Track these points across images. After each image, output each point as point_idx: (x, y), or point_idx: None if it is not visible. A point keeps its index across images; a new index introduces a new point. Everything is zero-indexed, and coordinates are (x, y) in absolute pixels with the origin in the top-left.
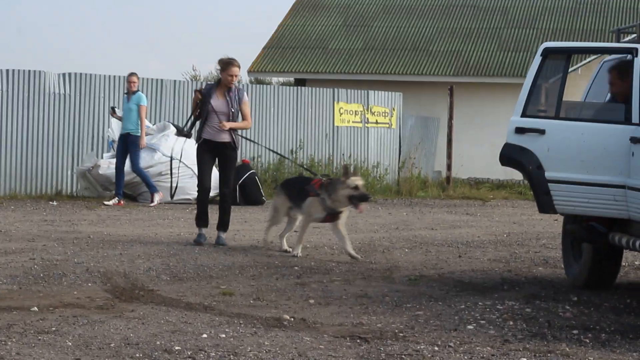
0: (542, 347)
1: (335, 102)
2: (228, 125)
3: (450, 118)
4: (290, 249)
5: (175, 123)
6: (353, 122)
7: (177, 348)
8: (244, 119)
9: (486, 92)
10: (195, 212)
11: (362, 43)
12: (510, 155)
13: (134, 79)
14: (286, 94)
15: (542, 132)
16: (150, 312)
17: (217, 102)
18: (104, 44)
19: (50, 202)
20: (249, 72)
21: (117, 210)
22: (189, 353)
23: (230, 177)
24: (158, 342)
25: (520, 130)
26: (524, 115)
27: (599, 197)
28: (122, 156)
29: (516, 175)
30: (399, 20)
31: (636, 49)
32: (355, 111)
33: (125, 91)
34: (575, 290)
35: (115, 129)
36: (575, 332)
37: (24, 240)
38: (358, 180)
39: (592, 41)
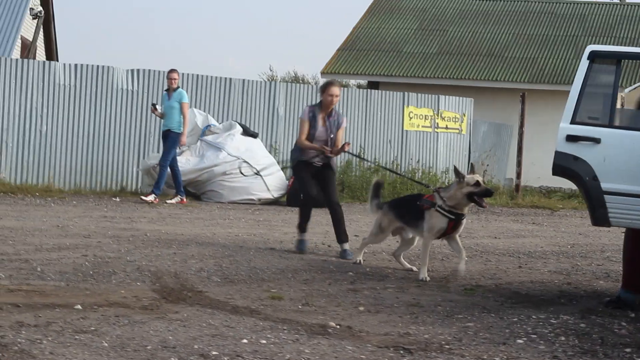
0: None
1: (405, 106)
2: (334, 153)
3: (522, 126)
4: (415, 269)
5: (242, 123)
6: (422, 126)
7: (214, 353)
8: (336, 144)
9: (561, 100)
10: (300, 218)
11: (437, 47)
12: (564, 165)
13: (175, 75)
14: (355, 97)
15: (597, 140)
16: (194, 315)
17: (319, 129)
18: (178, 41)
19: (113, 198)
20: (322, 73)
21: (179, 208)
22: (226, 359)
23: (334, 191)
24: (196, 346)
25: (572, 139)
26: (573, 122)
27: None
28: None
29: None
30: (475, 26)
31: None
32: (425, 115)
33: (166, 88)
34: (635, 307)
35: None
36: (628, 350)
37: (79, 236)
38: (477, 177)
39: None
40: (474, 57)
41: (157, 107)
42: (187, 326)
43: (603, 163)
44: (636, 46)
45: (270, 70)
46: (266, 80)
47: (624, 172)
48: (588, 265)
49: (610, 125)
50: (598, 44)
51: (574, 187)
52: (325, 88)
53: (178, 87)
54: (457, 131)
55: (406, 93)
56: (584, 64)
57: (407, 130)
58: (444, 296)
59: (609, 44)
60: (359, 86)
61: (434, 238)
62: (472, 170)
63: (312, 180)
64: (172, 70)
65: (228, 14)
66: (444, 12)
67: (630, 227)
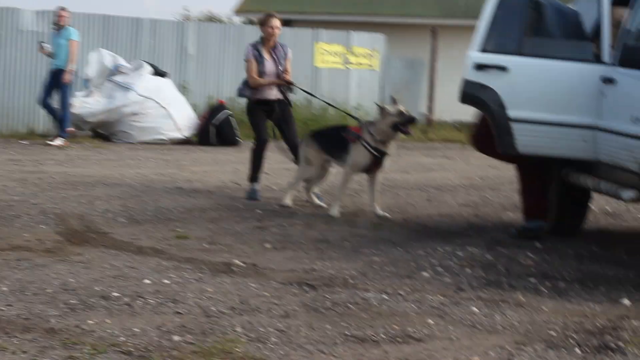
0: (495, 296)
1: (315, 43)
2: (287, 78)
3: (433, 60)
4: (325, 206)
5: (152, 63)
6: (334, 63)
7: (115, 294)
8: (287, 75)
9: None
10: (251, 166)
11: None
12: (471, 93)
13: (64, 13)
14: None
15: (504, 69)
16: (97, 256)
17: (267, 65)
18: None
19: (21, 141)
20: (236, 13)
21: (88, 150)
22: (127, 300)
23: (295, 132)
24: (97, 288)
25: (480, 67)
26: (482, 50)
27: (565, 138)
28: (49, 92)
29: None
30: None
31: None
32: (336, 52)
33: (54, 25)
34: (540, 238)
35: (90, 67)
36: (532, 280)
37: None
38: (399, 107)
39: None
40: None
41: (45, 45)
42: (90, 268)
43: (510, 91)
44: None
45: (186, 11)
46: (175, 20)
47: (530, 100)
48: (496, 197)
49: (518, 53)
50: None
51: None
52: (265, 21)
53: (66, 25)
54: (369, 67)
55: (316, 29)
56: None
57: (317, 67)
58: (351, 231)
59: None
60: None
61: (354, 174)
62: (394, 102)
63: (265, 118)
64: (61, 8)
65: None
66: None
67: (535, 154)
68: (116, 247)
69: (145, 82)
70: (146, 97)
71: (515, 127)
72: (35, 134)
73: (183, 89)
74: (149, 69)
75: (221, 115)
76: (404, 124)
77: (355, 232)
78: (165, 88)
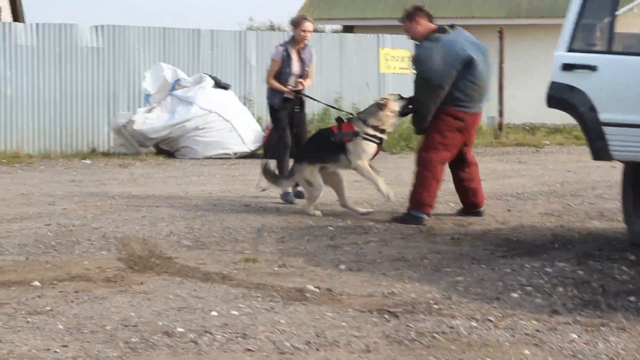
0: (594, 319)
1: (380, 48)
2: (307, 84)
3: (501, 62)
4: (370, 210)
5: (213, 75)
6: (400, 68)
7: (179, 330)
8: (308, 77)
9: (540, 34)
10: (281, 164)
11: None
12: (559, 96)
13: None
14: (328, 42)
15: (593, 68)
16: (161, 285)
17: (294, 65)
18: None
19: (83, 161)
20: None
21: (152, 167)
22: (192, 336)
23: (305, 135)
24: (160, 323)
25: (568, 67)
26: (570, 50)
27: None
28: None
29: (572, 119)
30: None
31: None
32: (402, 57)
33: None
34: (634, 249)
35: (150, 82)
36: (632, 298)
37: (43, 203)
38: (395, 94)
39: None
40: None
41: None
42: (152, 299)
43: (601, 92)
44: None
45: (251, 20)
46: (236, 30)
47: (624, 101)
48: (580, 205)
49: (608, 51)
50: None
51: (557, 121)
52: (298, 23)
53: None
54: None
55: (380, 35)
56: None
57: (383, 74)
58: (430, 247)
59: None
60: (335, 31)
61: (368, 163)
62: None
63: (287, 121)
64: None
65: None
66: None
67: (632, 160)
68: (181, 274)
69: (208, 96)
70: (209, 111)
71: (608, 131)
72: (97, 153)
73: (247, 101)
74: (210, 81)
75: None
76: (406, 106)
77: (434, 247)
78: (228, 101)
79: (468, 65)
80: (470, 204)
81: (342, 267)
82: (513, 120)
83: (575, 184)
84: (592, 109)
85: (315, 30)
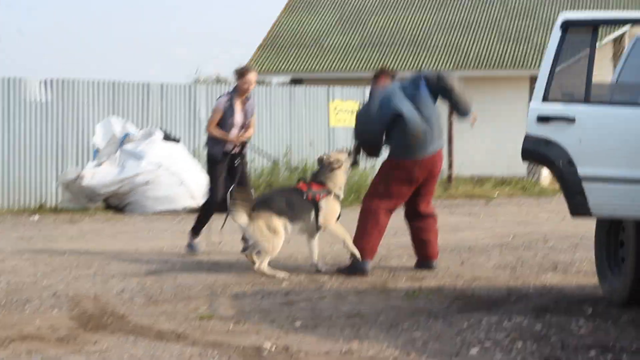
0: None
1: (330, 101)
2: (246, 136)
3: (450, 114)
4: (318, 264)
5: (163, 128)
6: (350, 122)
7: None
8: (250, 127)
9: (486, 86)
10: (198, 222)
11: (359, 39)
12: (535, 150)
13: None
14: (278, 94)
15: (571, 120)
16: (115, 344)
17: (237, 116)
18: (91, 48)
19: (32, 217)
20: None
21: (101, 223)
22: None
23: (249, 180)
24: None
25: (544, 119)
26: (545, 100)
27: None
28: None
29: (519, 170)
30: (396, 15)
31: None
32: (352, 110)
33: None
34: (588, 301)
35: (100, 137)
36: (592, 353)
37: None
38: (341, 149)
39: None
40: (397, 47)
41: None
42: (107, 359)
43: (579, 145)
44: None
45: (196, 74)
46: (185, 83)
47: (604, 155)
48: (533, 257)
49: (586, 101)
50: (520, 25)
51: (505, 173)
52: (243, 74)
53: None
54: None
55: (330, 87)
56: (556, 35)
57: (333, 127)
58: (385, 303)
59: (532, 26)
60: (282, 84)
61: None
62: (321, 160)
63: (224, 174)
64: None
65: (148, 17)
66: (364, 3)
67: (613, 216)
68: (135, 333)
69: (157, 150)
70: (158, 165)
71: (587, 186)
72: (45, 208)
73: (196, 154)
74: (160, 135)
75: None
76: (355, 157)
77: (389, 303)
78: (178, 155)
79: (398, 118)
80: (423, 256)
81: (298, 324)
82: (462, 172)
83: (527, 235)
84: (570, 162)
85: (262, 82)
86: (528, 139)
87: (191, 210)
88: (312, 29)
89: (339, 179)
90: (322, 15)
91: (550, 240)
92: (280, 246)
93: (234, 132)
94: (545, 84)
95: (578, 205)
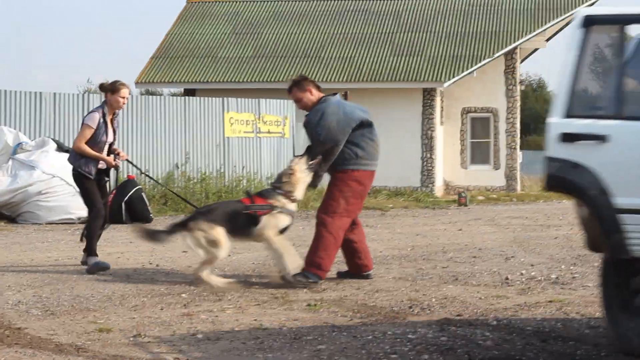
0: None
1: (225, 112)
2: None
3: None
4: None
5: (56, 138)
6: (245, 132)
7: None
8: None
9: (380, 98)
10: (92, 240)
11: (252, 51)
12: (561, 176)
13: None
14: (173, 105)
15: (603, 138)
16: (12, 358)
17: (110, 132)
18: None
19: None
20: (137, 83)
21: None
22: None
23: (107, 201)
24: None
25: (569, 138)
26: (569, 115)
27: None
28: None
29: (413, 181)
30: (290, 27)
31: None
32: (247, 121)
33: None
34: (492, 313)
35: None
36: None
37: None
38: (301, 158)
39: (485, 42)
40: (290, 59)
41: None
42: None
43: (614, 169)
44: (452, 41)
45: (88, 82)
46: (80, 92)
47: None
48: (433, 269)
49: (620, 115)
50: (413, 39)
51: (398, 184)
52: (116, 89)
53: None
54: (280, 135)
55: (225, 98)
56: (576, 35)
57: (228, 137)
58: (287, 315)
59: (424, 39)
60: (174, 94)
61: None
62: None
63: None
64: None
65: (38, 26)
66: (258, 16)
67: None
68: (32, 346)
69: (51, 159)
70: (52, 175)
71: (626, 220)
72: None
73: None
74: (53, 145)
75: (132, 191)
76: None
77: (292, 315)
78: None
79: (364, 124)
80: (360, 265)
81: (200, 336)
82: None
83: (426, 247)
84: (604, 192)
85: (154, 94)
86: (551, 163)
87: (85, 221)
88: (205, 40)
89: (301, 184)
90: (216, 26)
91: (449, 251)
92: (221, 255)
93: (105, 150)
94: (568, 96)
95: (616, 245)
